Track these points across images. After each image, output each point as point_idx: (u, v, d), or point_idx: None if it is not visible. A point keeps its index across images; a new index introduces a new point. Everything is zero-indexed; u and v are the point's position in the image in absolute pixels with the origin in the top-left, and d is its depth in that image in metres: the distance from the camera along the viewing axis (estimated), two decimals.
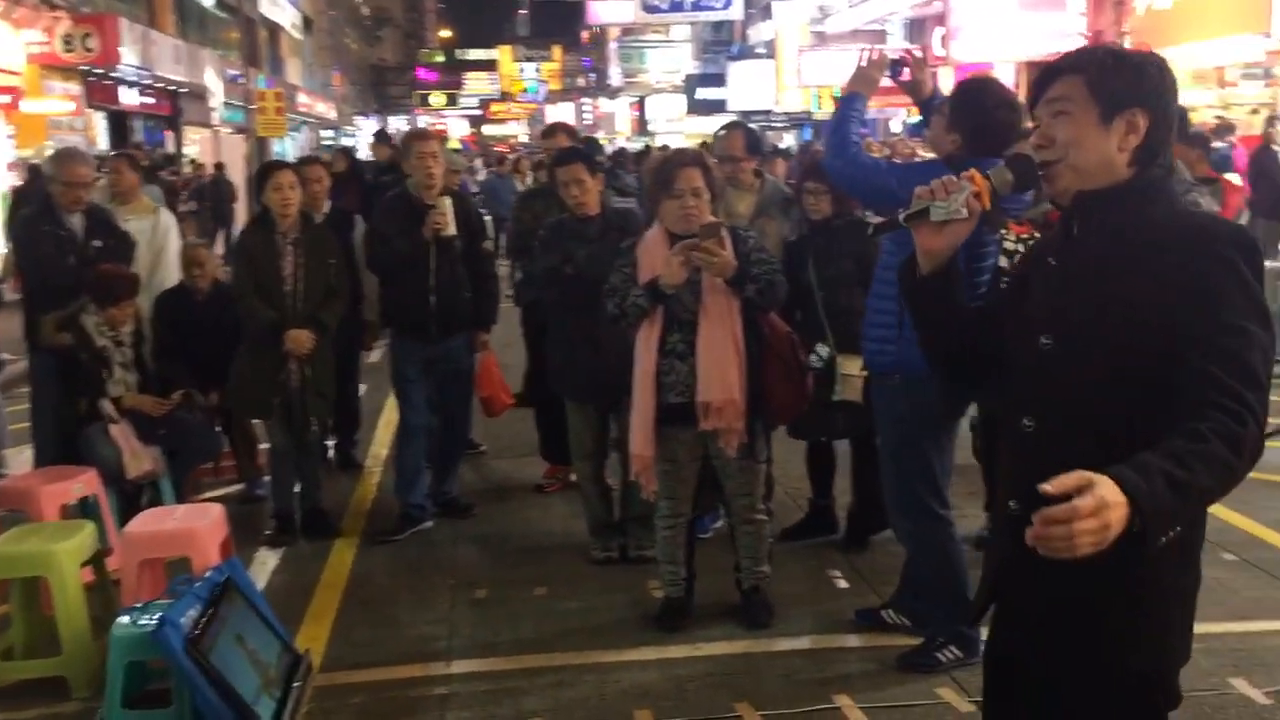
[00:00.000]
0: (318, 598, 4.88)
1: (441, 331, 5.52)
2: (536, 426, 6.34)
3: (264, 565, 5.25)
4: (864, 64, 4.04)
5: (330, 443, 6.65)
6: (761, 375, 4.26)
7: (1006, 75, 20.40)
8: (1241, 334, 1.85)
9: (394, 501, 5.76)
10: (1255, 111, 15.47)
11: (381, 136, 13.38)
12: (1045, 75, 2.11)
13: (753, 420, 4.26)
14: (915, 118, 25.96)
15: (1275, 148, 10.74)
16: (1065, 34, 19.89)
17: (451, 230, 5.42)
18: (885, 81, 4.13)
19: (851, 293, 5.00)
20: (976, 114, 3.86)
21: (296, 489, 5.64)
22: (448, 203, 5.43)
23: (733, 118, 31.78)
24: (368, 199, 6.91)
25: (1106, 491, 1.63)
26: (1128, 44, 19.65)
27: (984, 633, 2.41)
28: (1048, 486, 1.65)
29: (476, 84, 71.64)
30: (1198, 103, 17.58)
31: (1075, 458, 2.03)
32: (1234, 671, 3.88)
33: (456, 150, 22.04)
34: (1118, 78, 2.03)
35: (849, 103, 4.01)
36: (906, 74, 4.09)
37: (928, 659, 4.06)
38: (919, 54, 4.14)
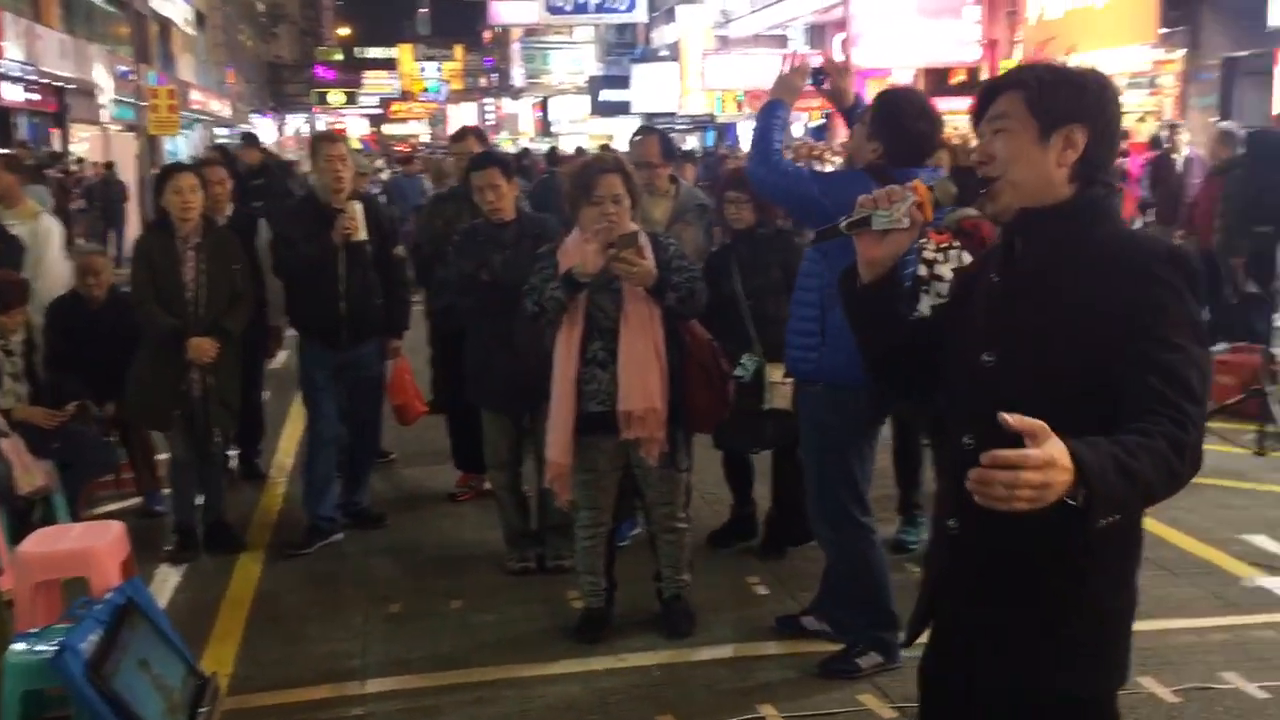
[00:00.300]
0: (223, 616, 4.72)
1: (352, 338, 5.39)
2: (449, 434, 6.22)
3: (165, 583, 5.05)
4: (786, 71, 4.04)
5: (233, 452, 6.44)
6: (683, 383, 4.23)
7: (905, 81, 20.79)
8: (1180, 350, 1.88)
9: (302, 513, 5.60)
10: (1142, 119, 15.97)
11: (250, 139, 12.40)
12: (987, 92, 2.12)
13: (674, 429, 4.22)
14: (816, 122, 26.36)
15: (1175, 157, 11.07)
16: (963, 42, 20.40)
17: (362, 235, 5.29)
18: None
19: (779, 302, 4.98)
20: (897, 124, 3.88)
21: (198, 501, 5.44)
22: (357, 207, 5.30)
23: (637, 120, 31.85)
24: (241, 202, 6.69)
25: (1058, 452, 1.63)
26: (1019, 53, 20.21)
27: (903, 637, 2.42)
28: (1008, 417, 1.65)
29: (376, 83, 70.58)
30: None
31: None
32: (1141, 670, 3.96)
33: (357, 150, 21.64)
34: (1056, 94, 2.03)
35: (771, 110, 4.00)
36: (828, 83, 4.09)
37: (849, 665, 4.07)
38: (841, 62, 4.13)
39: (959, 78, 22.27)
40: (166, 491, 5.76)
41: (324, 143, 5.49)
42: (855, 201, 3.75)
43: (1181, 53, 15.40)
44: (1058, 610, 2.05)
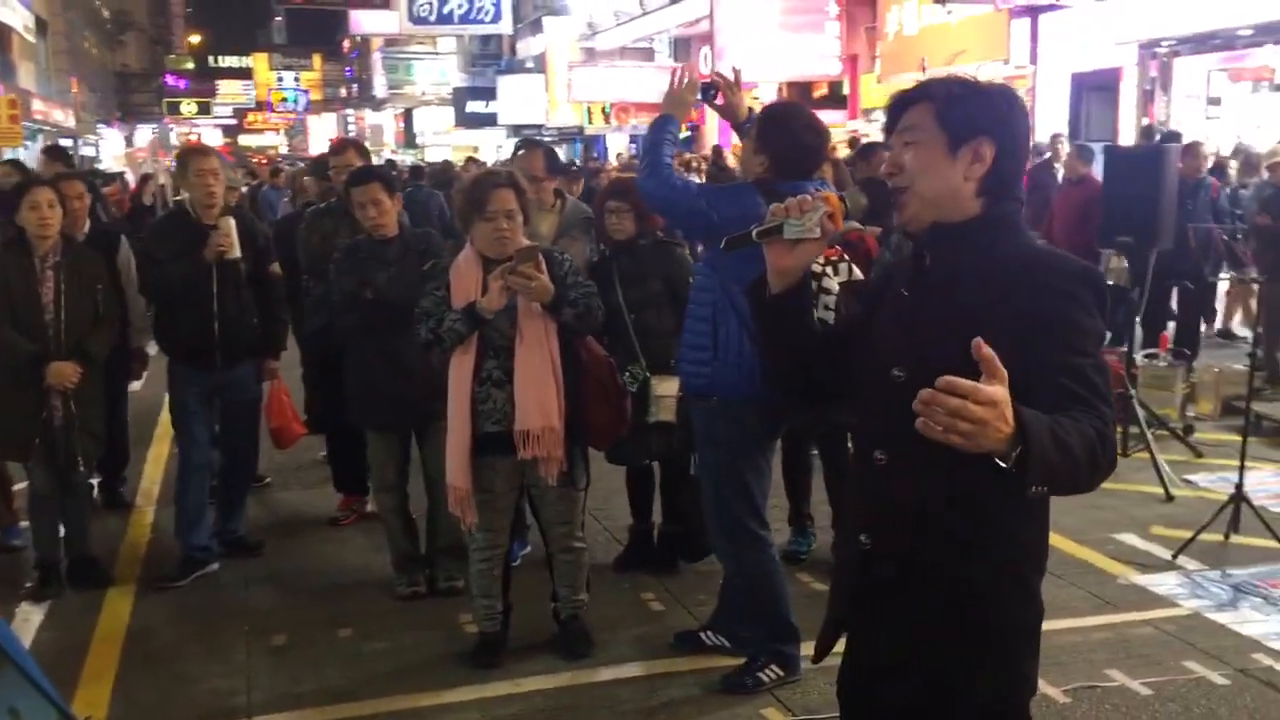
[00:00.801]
0: (94, 655, 4.46)
1: (227, 360, 5.17)
2: (328, 456, 6.03)
3: (28, 622, 4.75)
4: (675, 87, 4.03)
5: (95, 480, 6.11)
6: (580, 400, 4.17)
7: (769, 95, 21.15)
8: (1089, 357, 1.94)
9: (174, 543, 5.34)
10: None
11: (54, 153, 10.48)
12: (898, 103, 2.13)
13: (572, 447, 4.16)
14: (683, 133, 26.61)
15: (1057, 166, 11.45)
16: (824, 56, 20.85)
17: (236, 252, 5.09)
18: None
19: (661, 313, 4.99)
20: (783, 137, 3.90)
21: (60, 534, 5.14)
22: (231, 223, 5.10)
23: (503, 132, 31.53)
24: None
25: (1005, 400, 1.66)
26: (879, 68, 20.68)
27: (812, 653, 2.41)
28: (980, 342, 1.68)
29: (231, 92, 68.50)
30: None
31: (929, 492, 2.06)
32: None
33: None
34: (965, 107, 2.05)
35: (662, 125, 3.99)
36: (720, 97, 4.08)
37: (750, 679, 4.06)
38: (732, 77, 4.14)
39: (821, 92, 22.78)
40: (25, 524, 5.43)
41: (194, 156, 5.25)
42: (741, 215, 3.80)
43: (1032, 69, 16.04)
44: (972, 624, 2.07)
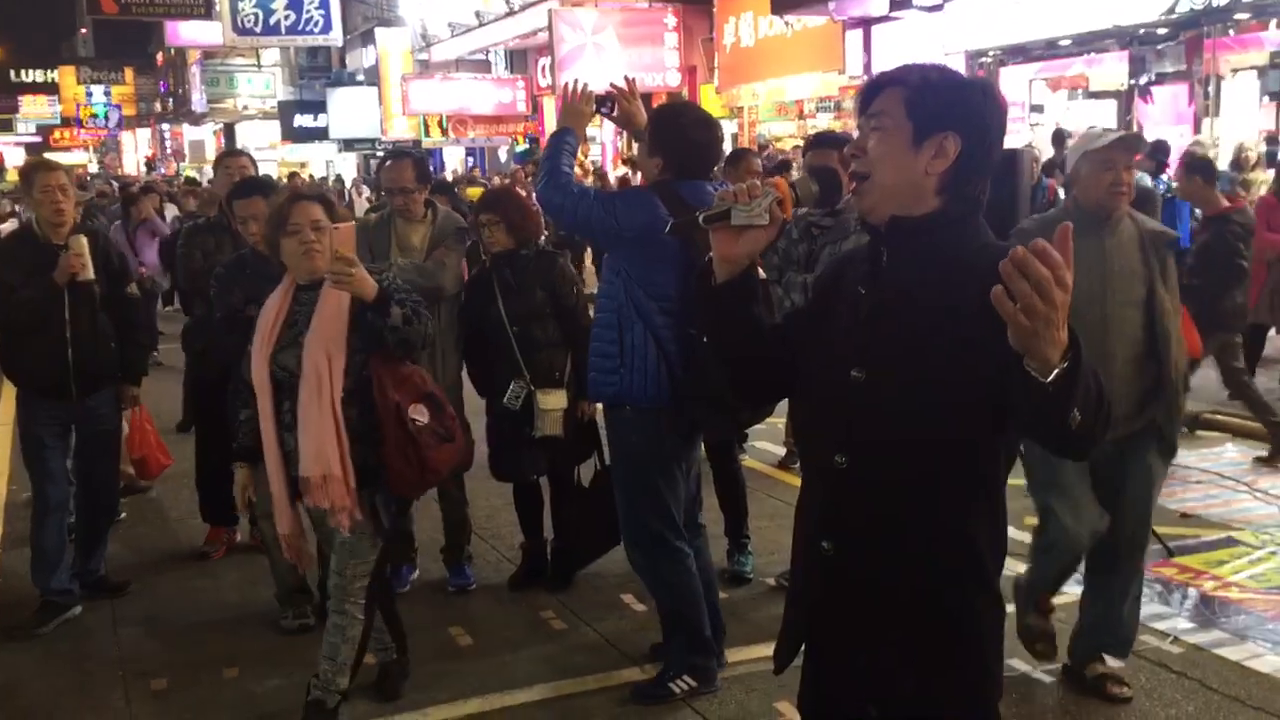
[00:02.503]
0: None
1: (83, 389, 4.82)
2: (196, 485, 5.70)
3: None
4: (571, 98, 3.95)
5: None
6: (379, 443, 3.64)
7: None
8: None
9: (30, 588, 4.94)
10: None
11: None
12: (871, 87, 2.06)
13: (371, 493, 3.70)
14: (521, 146, 26.47)
15: None
16: (664, 67, 21.09)
17: (89, 273, 4.75)
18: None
19: (546, 325, 4.90)
20: (674, 135, 3.88)
21: None
22: (83, 241, 4.75)
23: (333, 146, 30.80)
24: None
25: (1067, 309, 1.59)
26: (717, 79, 20.97)
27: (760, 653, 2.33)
28: (1000, 290, 1.59)
29: (35, 108, 64.83)
30: (781, 133, 19.22)
31: (894, 493, 2.01)
32: None
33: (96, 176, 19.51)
34: (935, 98, 1.98)
35: (560, 137, 3.92)
36: (615, 109, 4.03)
37: (661, 690, 4.01)
38: (625, 87, 4.08)
39: (661, 102, 23.01)
40: None
41: (40, 171, 4.87)
42: (641, 220, 3.76)
43: (865, 78, 16.54)
44: (938, 625, 2.03)
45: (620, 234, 3.84)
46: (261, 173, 6.08)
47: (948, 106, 1.98)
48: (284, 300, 3.75)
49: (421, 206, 5.09)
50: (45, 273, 4.70)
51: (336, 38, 27.13)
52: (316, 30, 26.08)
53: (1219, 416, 7.74)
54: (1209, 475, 6.62)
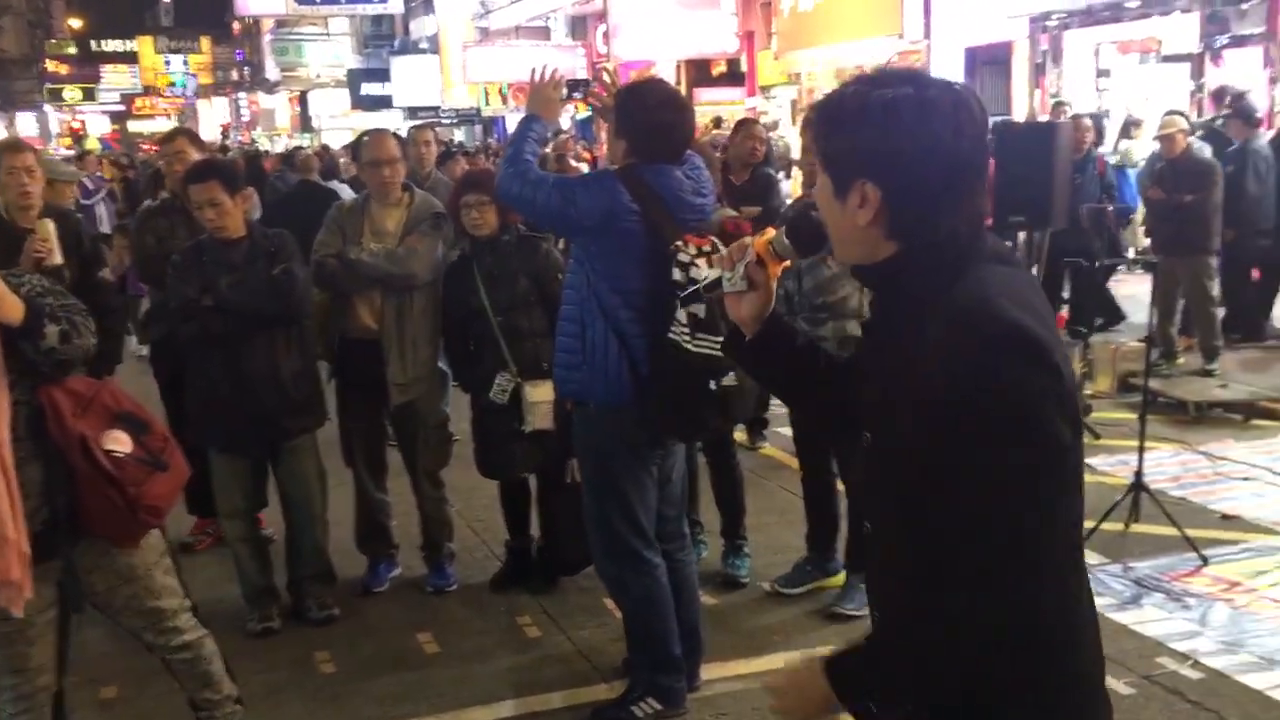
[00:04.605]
0: None
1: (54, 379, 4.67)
2: None
3: None
4: (538, 83, 3.67)
5: None
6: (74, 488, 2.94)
7: (668, 73, 20.87)
8: (960, 506, 1.57)
9: None
10: None
11: None
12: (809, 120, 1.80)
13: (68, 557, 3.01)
14: (584, 113, 26.15)
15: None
16: (721, 32, 20.62)
17: (57, 259, 4.59)
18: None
19: (531, 313, 4.64)
20: (639, 116, 3.58)
21: None
22: (50, 226, 4.58)
23: (399, 114, 30.75)
24: None
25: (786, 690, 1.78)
26: (775, 45, 20.52)
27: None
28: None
29: (116, 77, 65.95)
30: None
31: (904, 570, 1.67)
32: None
33: (80, 154, 19.68)
34: (840, 143, 1.64)
35: (526, 124, 3.65)
36: (592, 97, 3.75)
37: (622, 714, 3.75)
38: (608, 75, 3.78)
39: (719, 69, 22.54)
40: None
41: (6, 152, 4.72)
42: (601, 207, 3.47)
43: (926, 44, 15.95)
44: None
45: (580, 223, 3.57)
46: (336, 143, 5.91)
47: (851, 151, 1.62)
48: None
49: (399, 188, 4.85)
50: (12, 258, 4.55)
51: (397, 5, 27.09)
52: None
53: (1278, 405, 7.22)
54: (1258, 470, 6.13)
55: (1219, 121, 9.77)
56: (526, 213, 3.84)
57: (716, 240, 3.71)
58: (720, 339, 3.50)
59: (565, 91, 3.79)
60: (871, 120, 1.58)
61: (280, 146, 32.02)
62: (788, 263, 1.92)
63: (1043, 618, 1.58)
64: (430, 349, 4.78)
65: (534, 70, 3.74)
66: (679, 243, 3.53)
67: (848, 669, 1.68)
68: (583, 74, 25.88)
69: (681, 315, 3.49)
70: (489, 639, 4.42)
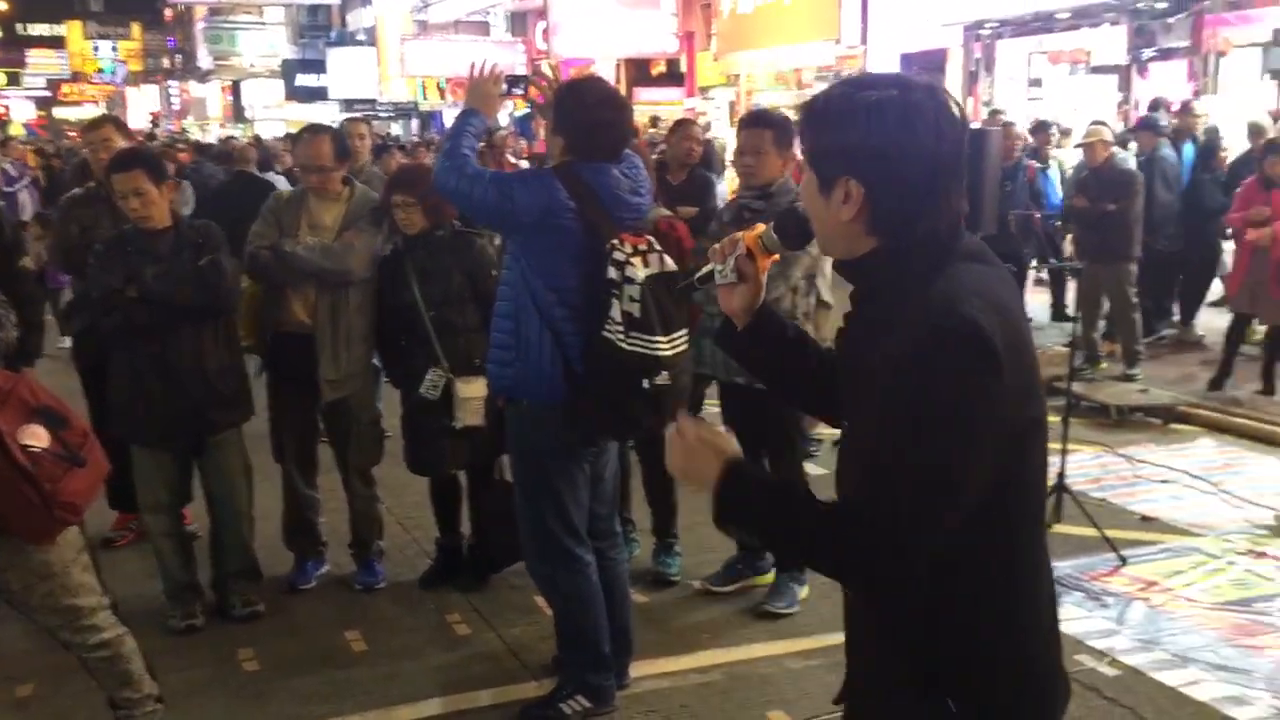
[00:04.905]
0: None
1: None
2: None
3: None
4: (477, 78, 3.64)
5: None
6: None
7: (607, 71, 20.85)
8: (897, 447, 1.63)
9: None
10: None
11: None
12: (799, 125, 1.82)
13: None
14: (522, 110, 26.03)
15: None
16: (661, 33, 20.66)
17: None
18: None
19: (464, 309, 4.61)
20: (577, 114, 3.57)
21: None
22: None
23: (335, 106, 30.40)
24: None
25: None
26: (715, 46, 20.65)
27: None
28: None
29: (43, 62, 64.44)
30: (779, 102, 18.80)
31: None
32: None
33: (3, 140, 19.10)
34: (827, 139, 1.69)
35: (464, 118, 3.61)
36: (532, 92, 3.73)
37: (550, 712, 3.75)
38: (549, 72, 3.76)
39: (659, 69, 22.59)
40: None
41: None
42: (539, 203, 3.46)
43: (862, 49, 16.13)
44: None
45: (516, 219, 3.55)
46: (268, 134, 5.75)
47: (837, 149, 1.68)
48: None
49: (339, 183, 4.78)
50: None
51: None
52: None
53: (1196, 410, 7.42)
54: (1176, 473, 6.29)
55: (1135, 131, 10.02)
56: (463, 207, 3.81)
57: (652, 239, 3.73)
58: (655, 338, 3.54)
59: (504, 87, 3.77)
60: (857, 120, 1.63)
61: (213, 137, 31.45)
62: (776, 256, 1.99)
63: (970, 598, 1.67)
64: (364, 346, 4.72)
65: (473, 65, 3.72)
66: (615, 241, 3.53)
67: (742, 492, 1.71)
68: (522, 70, 25.79)
69: (616, 313, 3.49)
70: (418, 637, 4.39)
